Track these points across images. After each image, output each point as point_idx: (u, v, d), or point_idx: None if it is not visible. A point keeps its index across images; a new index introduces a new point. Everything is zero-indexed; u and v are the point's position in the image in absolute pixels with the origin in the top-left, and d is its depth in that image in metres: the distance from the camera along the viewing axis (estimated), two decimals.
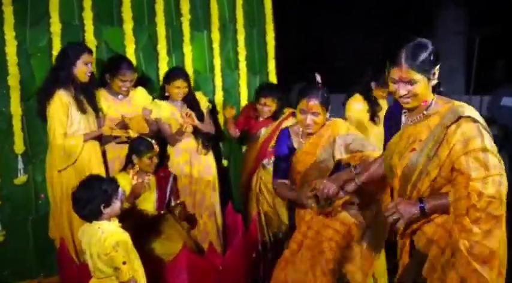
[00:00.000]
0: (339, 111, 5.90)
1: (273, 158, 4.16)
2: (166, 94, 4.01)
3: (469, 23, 9.10)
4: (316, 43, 9.53)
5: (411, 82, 2.03)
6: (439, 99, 2.13)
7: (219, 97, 4.56)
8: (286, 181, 2.97)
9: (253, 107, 4.31)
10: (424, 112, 2.11)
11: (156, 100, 4.05)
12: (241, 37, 4.61)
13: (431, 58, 2.05)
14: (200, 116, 4.03)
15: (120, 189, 2.63)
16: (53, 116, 3.43)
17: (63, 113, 3.44)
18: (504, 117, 6.08)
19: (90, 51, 3.61)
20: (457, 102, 2.12)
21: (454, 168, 1.97)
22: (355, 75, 4.50)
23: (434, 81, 2.10)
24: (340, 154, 2.81)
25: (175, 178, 3.88)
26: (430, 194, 2.05)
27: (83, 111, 3.52)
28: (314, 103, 2.76)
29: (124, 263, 2.48)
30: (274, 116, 4.18)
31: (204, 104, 4.15)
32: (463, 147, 1.96)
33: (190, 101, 4.05)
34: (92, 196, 2.53)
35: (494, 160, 1.96)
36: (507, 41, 7.67)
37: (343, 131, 2.87)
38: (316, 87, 2.85)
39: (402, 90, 2.05)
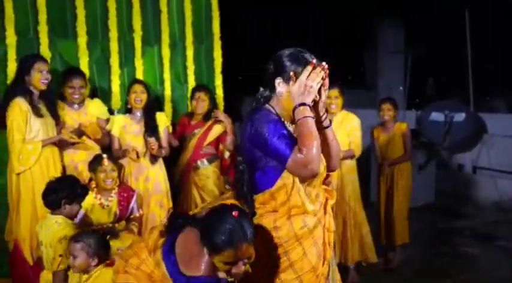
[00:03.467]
0: None
1: (205, 160, 4.40)
2: (129, 106, 4.23)
3: (405, 42, 9.71)
4: (262, 59, 9.87)
5: None
6: None
7: (168, 109, 4.80)
8: None
9: (187, 116, 4.60)
10: None
11: (113, 115, 4.30)
12: (190, 53, 4.88)
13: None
14: (153, 129, 4.18)
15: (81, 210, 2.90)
16: (12, 122, 3.59)
17: (22, 119, 3.60)
18: (433, 131, 6.62)
19: (43, 60, 3.79)
20: None
21: None
22: None
23: None
24: None
25: (138, 195, 3.91)
26: None
27: (39, 115, 3.68)
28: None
29: (60, 255, 2.75)
30: (205, 118, 4.44)
31: (164, 123, 4.31)
32: None
33: (147, 112, 4.20)
34: (59, 188, 2.82)
35: None
36: (437, 60, 8.27)
37: None
38: None
39: None
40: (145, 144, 4.15)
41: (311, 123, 1.97)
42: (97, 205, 3.62)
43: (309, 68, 2.03)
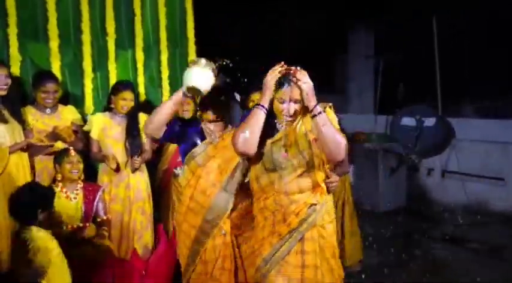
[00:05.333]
0: None
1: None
2: (111, 106, 4.08)
3: (375, 48, 9.85)
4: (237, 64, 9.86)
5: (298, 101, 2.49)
6: None
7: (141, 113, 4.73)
8: None
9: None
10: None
11: (91, 115, 4.20)
12: (164, 57, 4.84)
13: None
14: (135, 136, 4.05)
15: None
16: None
17: None
18: (404, 136, 6.73)
19: (0, 64, 3.62)
20: None
21: None
22: None
23: None
24: None
25: (104, 192, 3.87)
26: None
27: (3, 121, 3.56)
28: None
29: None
30: None
31: None
32: None
33: (131, 117, 4.08)
34: (30, 200, 2.72)
35: None
36: (408, 66, 8.42)
37: None
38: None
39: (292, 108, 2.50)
40: (126, 152, 4.06)
41: (253, 112, 2.48)
42: (63, 199, 3.57)
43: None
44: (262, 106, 2.47)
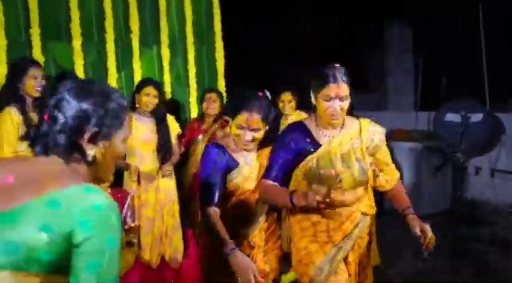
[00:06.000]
0: None
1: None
2: (137, 106, 3.90)
3: (413, 42, 9.50)
4: (263, 64, 9.71)
5: (344, 98, 2.31)
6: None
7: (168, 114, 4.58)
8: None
9: (197, 120, 4.41)
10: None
11: None
12: (190, 54, 4.69)
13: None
14: (166, 137, 3.95)
15: None
16: (2, 135, 3.32)
17: (12, 132, 3.32)
18: (448, 132, 6.35)
19: (37, 65, 3.51)
20: None
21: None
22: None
23: None
24: None
25: (133, 198, 3.77)
26: None
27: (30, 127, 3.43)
28: (256, 118, 2.37)
29: None
30: (216, 123, 4.15)
31: (175, 129, 4.07)
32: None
33: (160, 119, 3.94)
34: None
35: None
36: (449, 60, 8.04)
37: None
38: (258, 98, 2.43)
39: (338, 106, 2.31)
40: (157, 156, 3.93)
41: (282, 203, 2.33)
42: None
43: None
44: (294, 204, 2.22)
